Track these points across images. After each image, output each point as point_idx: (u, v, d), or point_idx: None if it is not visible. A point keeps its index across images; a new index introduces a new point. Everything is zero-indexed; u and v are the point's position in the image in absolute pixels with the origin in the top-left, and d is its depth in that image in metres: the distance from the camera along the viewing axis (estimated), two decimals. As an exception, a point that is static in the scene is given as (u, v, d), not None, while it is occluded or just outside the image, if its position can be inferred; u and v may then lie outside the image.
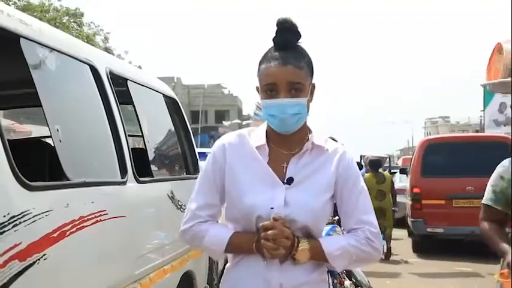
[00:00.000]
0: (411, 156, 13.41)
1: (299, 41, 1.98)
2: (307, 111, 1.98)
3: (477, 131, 30.79)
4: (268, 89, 1.93)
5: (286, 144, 2.00)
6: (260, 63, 1.97)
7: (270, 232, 1.85)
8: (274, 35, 1.97)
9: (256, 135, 2.02)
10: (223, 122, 48.32)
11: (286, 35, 1.95)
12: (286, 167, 1.97)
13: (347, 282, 4.89)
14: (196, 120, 44.89)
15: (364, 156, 13.68)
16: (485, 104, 21.37)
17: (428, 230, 10.16)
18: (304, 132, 2.01)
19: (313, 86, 2.00)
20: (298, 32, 1.97)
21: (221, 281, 2.09)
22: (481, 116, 29.85)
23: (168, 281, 3.73)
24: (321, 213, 1.97)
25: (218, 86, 59.07)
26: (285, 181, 1.95)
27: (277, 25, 1.96)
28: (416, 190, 10.35)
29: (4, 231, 2.06)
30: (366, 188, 2.03)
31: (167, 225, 3.78)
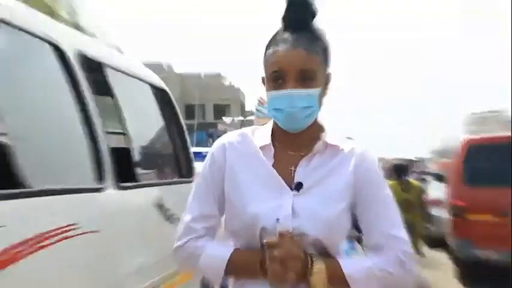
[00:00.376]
0: (449, 160, 11.85)
1: (314, 19, 1.79)
2: (320, 106, 1.81)
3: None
4: (275, 77, 1.77)
5: (295, 144, 1.84)
6: (267, 48, 1.81)
7: (276, 252, 1.67)
8: (284, 12, 1.79)
9: (261, 134, 1.89)
10: (223, 118, 48.45)
11: (298, 12, 1.78)
12: (295, 171, 1.82)
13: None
14: (191, 115, 44.72)
15: (383, 159, 12.82)
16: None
17: (477, 254, 8.58)
18: (315, 130, 1.85)
19: (329, 77, 1.84)
20: (313, 8, 1.78)
21: None
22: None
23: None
24: (335, 224, 1.78)
25: (217, 76, 59.15)
26: (293, 187, 1.80)
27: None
28: (459, 203, 8.86)
29: None
30: (391, 195, 1.83)
31: (153, 241, 3.52)
